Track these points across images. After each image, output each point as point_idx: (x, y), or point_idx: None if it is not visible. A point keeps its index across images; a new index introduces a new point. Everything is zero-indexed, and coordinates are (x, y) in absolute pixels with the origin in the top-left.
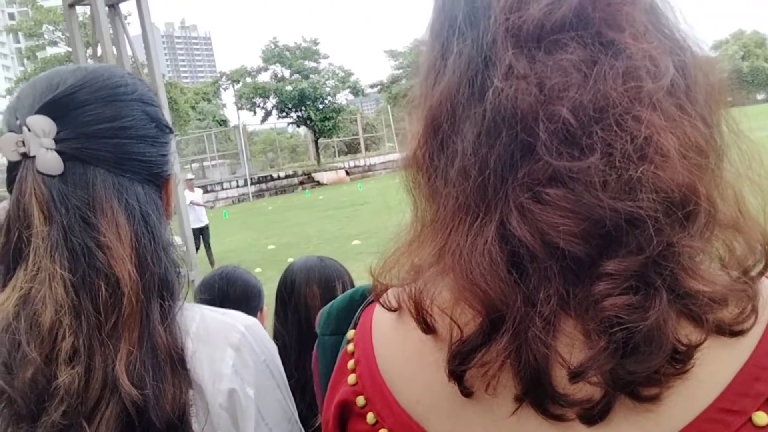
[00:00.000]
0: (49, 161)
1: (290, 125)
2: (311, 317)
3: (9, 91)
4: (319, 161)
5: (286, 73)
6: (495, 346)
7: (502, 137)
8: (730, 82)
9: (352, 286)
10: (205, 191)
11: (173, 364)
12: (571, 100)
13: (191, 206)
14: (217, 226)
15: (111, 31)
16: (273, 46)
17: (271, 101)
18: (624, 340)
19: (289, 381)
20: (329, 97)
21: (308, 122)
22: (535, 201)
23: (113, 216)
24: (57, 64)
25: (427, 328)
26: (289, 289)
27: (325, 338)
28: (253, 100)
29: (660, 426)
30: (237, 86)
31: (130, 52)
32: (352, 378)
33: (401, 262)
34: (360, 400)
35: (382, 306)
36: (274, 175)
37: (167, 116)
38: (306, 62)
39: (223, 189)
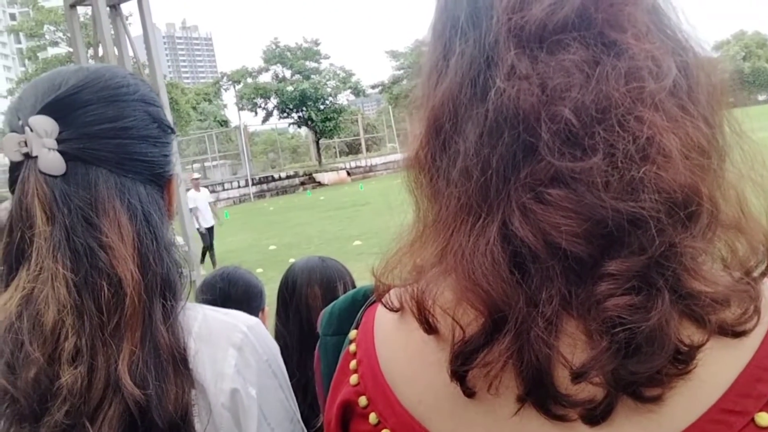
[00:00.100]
0: (52, 161)
1: (291, 126)
2: (312, 317)
3: (10, 92)
4: (320, 162)
5: (287, 73)
6: (497, 347)
7: (505, 137)
8: (731, 82)
9: (354, 286)
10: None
11: (176, 364)
12: (573, 101)
13: (196, 208)
14: (218, 227)
15: (112, 32)
16: (274, 47)
17: (272, 102)
18: (626, 340)
19: (290, 381)
20: (330, 98)
21: (309, 123)
22: (538, 201)
23: (115, 216)
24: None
25: (430, 328)
26: (290, 289)
27: (327, 338)
28: (254, 100)
29: (662, 426)
30: (238, 87)
31: (131, 53)
32: (354, 378)
33: (403, 262)
34: (362, 401)
35: (385, 306)
36: (275, 176)
37: (169, 117)
38: (307, 63)
39: (224, 189)
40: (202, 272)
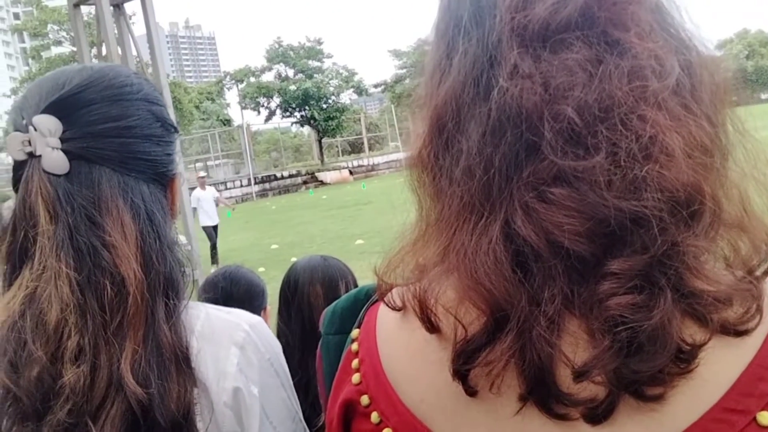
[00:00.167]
0: (55, 160)
1: (294, 125)
2: (314, 316)
3: (14, 91)
4: (322, 161)
5: (290, 72)
6: (499, 346)
7: (507, 136)
8: (734, 81)
9: (356, 285)
10: None
11: (178, 362)
12: (576, 100)
13: (201, 205)
14: (220, 226)
15: (116, 31)
16: (277, 46)
17: (275, 101)
18: (628, 339)
19: (292, 380)
20: (333, 97)
21: (312, 122)
22: (540, 200)
23: (118, 215)
24: (62, 64)
25: (432, 327)
26: (292, 288)
27: (329, 337)
28: (257, 99)
29: (664, 425)
30: (241, 86)
31: (134, 52)
32: (356, 377)
33: (406, 261)
34: (364, 400)
35: (387, 305)
36: (278, 175)
37: (172, 116)
38: (310, 62)
39: (226, 188)
40: (212, 271)
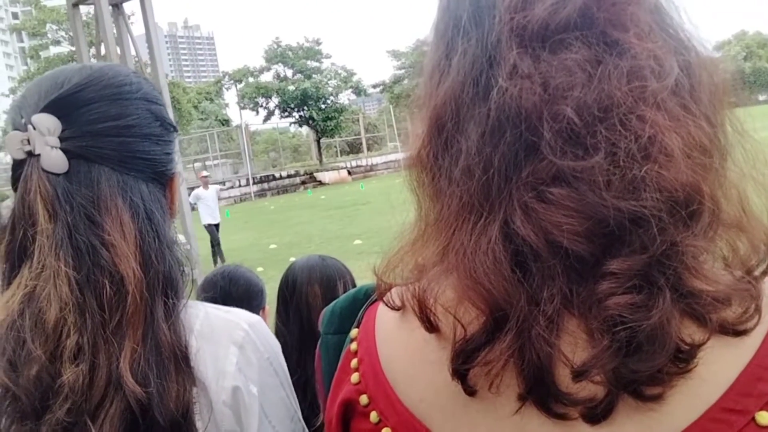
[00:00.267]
0: (54, 159)
1: (292, 125)
2: (313, 316)
3: (12, 90)
4: (321, 161)
5: (289, 72)
6: (498, 345)
7: (507, 136)
8: (733, 82)
9: (354, 285)
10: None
11: (177, 361)
12: (575, 100)
13: (204, 203)
14: (220, 225)
15: (114, 31)
16: (276, 46)
17: (274, 101)
18: (627, 339)
19: (290, 379)
20: (331, 97)
21: (310, 122)
22: (539, 200)
23: (118, 214)
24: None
25: (431, 326)
26: (290, 288)
27: (328, 337)
28: (256, 99)
29: (663, 425)
30: (239, 86)
31: (133, 52)
32: (355, 377)
33: (405, 261)
34: (363, 399)
35: (386, 305)
36: (276, 175)
37: (170, 116)
38: (308, 62)
39: (225, 188)
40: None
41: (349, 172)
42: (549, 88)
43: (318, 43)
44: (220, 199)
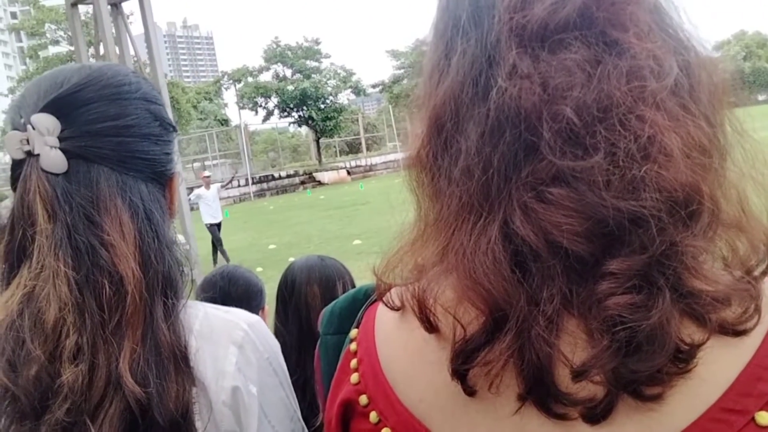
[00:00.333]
0: (53, 159)
1: (292, 125)
2: (312, 317)
3: (11, 90)
4: (320, 161)
5: (288, 72)
6: (498, 345)
7: (506, 136)
8: (733, 82)
9: (353, 285)
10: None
11: (176, 361)
12: (574, 100)
13: (205, 202)
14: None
15: (113, 30)
16: (275, 46)
17: (273, 101)
18: (627, 339)
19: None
20: (331, 97)
21: (310, 122)
22: (539, 200)
23: (117, 214)
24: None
25: (431, 327)
26: (289, 288)
27: (327, 337)
28: (255, 99)
29: (663, 425)
30: (239, 86)
31: (132, 51)
32: (354, 377)
33: (404, 261)
34: (363, 399)
35: (386, 305)
36: (276, 175)
37: (169, 115)
38: (308, 62)
39: (224, 188)
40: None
41: (349, 172)
42: (548, 88)
43: (317, 42)
44: (219, 199)
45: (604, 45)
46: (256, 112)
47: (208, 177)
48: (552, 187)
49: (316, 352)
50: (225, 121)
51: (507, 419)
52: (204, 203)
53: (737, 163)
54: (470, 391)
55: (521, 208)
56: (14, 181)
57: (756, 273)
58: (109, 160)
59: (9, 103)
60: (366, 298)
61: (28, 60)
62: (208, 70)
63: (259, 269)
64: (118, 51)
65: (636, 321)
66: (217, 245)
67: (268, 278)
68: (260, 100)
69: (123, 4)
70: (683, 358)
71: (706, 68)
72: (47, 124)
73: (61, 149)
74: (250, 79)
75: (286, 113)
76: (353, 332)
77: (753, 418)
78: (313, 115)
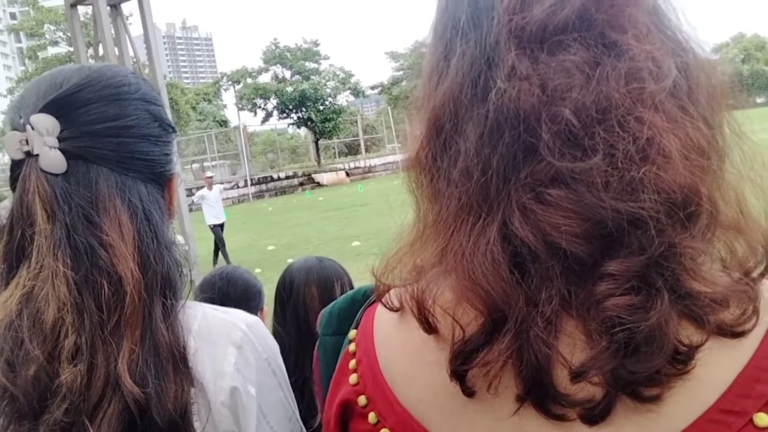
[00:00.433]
0: (53, 160)
1: (291, 126)
2: (310, 318)
3: (10, 91)
4: (319, 162)
5: (287, 74)
6: (497, 346)
7: (505, 138)
8: (731, 84)
9: (351, 287)
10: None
11: (175, 362)
12: (573, 101)
13: (207, 203)
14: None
15: (112, 31)
16: (274, 47)
17: (272, 102)
18: (625, 340)
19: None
20: (330, 99)
21: (309, 123)
22: (538, 201)
23: (116, 214)
24: (58, 64)
25: (429, 328)
26: (288, 289)
27: (326, 338)
28: (254, 101)
29: (661, 426)
30: (238, 87)
31: (131, 52)
32: (353, 378)
33: (403, 262)
34: (361, 400)
35: (384, 306)
36: (275, 176)
37: (169, 116)
38: (307, 63)
39: (224, 187)
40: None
41: (348, 174)
42: (547, 90)
43: (316, 44)
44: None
45: (602, 47)
46: (255, 113)
47: (211, 178)
48: (551, 189)
49: (314, 353)
50: (224, 123)
51: (506, 420)
52: (207, 204)
53: (736, 165)
54: (469, 392)
55: (520, 210)
56: (13, 181)
57: (754, 274)
58: (108, 161)
59: (8, 103)
60: (365, 299)
61: (27, 61)
62: (207, 72)
63: (257, 270)
64: (117, 52)
65: (634, 322)
66: (219, 246)
67: (267, 279)
68: (259, 101)
69: (122, 5)
70: (682, 360)
71: (705, 70)
72: (46, 124)
73: (61, 149)
74: (249, 81)
75: (285, 114)
76: (352, 333)
77: (751, 420)
78: (312, 116)
